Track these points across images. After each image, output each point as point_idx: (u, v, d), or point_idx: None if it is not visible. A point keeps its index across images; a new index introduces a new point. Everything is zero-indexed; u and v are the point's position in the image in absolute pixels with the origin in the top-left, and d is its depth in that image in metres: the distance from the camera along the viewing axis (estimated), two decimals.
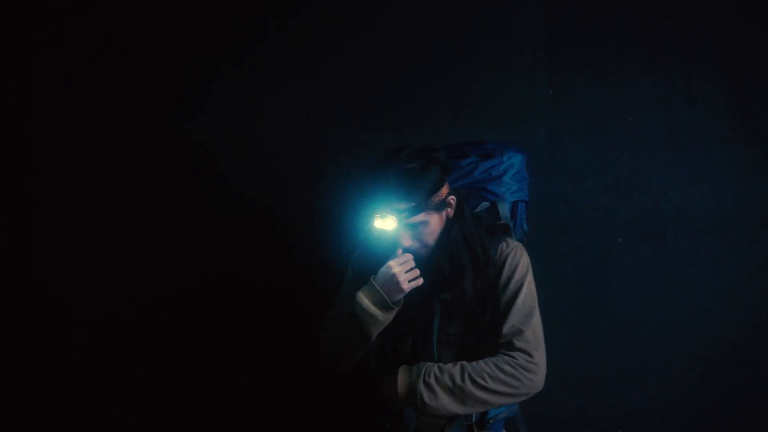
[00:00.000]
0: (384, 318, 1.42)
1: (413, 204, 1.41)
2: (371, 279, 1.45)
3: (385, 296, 1.41)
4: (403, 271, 1.41)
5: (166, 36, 2.16)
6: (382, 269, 1.42)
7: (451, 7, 2.13)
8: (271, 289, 2.08)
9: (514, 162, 1.66)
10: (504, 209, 1.61)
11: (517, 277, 1.48)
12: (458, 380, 1.39)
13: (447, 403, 1.38)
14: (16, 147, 2.14)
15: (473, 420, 1.50)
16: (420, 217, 1.43)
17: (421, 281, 1.44)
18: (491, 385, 1.38)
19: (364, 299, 1.41)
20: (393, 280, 1.40)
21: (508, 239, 1.56)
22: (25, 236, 2.10)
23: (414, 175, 1.42)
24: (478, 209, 1.62)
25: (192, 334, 2.09)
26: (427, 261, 1.49)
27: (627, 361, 2.02)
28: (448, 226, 1.50)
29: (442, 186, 1.46)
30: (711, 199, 2.02)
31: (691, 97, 2.07)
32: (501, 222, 1.59)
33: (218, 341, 2.10)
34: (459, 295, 1.46)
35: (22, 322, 2.08)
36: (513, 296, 1.47)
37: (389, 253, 1.46)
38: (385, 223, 1.39)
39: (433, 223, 1.47)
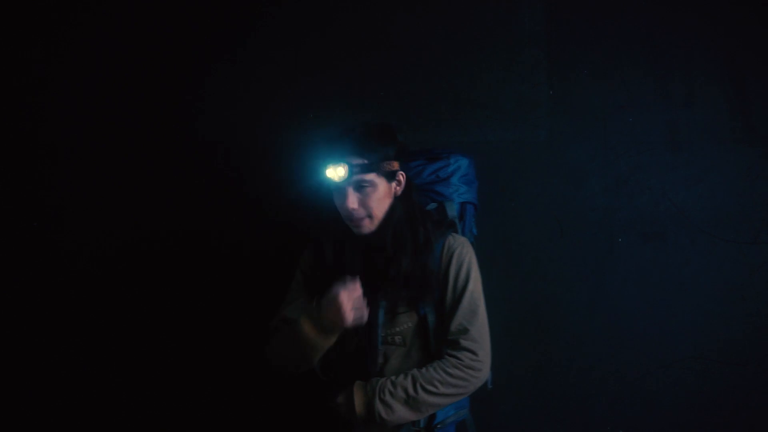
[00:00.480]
0: (325, 344, 1.44)
1: (366, 161, 1.46)
2: (315, 304, 1.44)
3: (328, 325, 1.42)
4: (350, 305, 1.40)
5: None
6: (330, 295, 1.40)
7: (451, 7, 2.13)
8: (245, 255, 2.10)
9: (461, 165, 1.72)
10: (452, 209, 1.66)
11: (463, 274, 1.53)
12: (411, 392, 1.46)
13: (403, 414, 1.46)
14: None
15: (421, 425, 1.56)
16: (370, 176, 1.47)
17: (365, 320, 1.44)
18: (442, 390, 1.46)
19: (305, 326, 1.43)
20: (338, 311, 1.39)
21: (455, 234, 1.60)
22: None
23: (370, 135, 1.49)
24: (427, 208, 1.67)
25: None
26: (371, 239, 1.51)
27: (627, 361, 2.03)
28: (394, 204, 1.54)
29: (394, 158, 1.51)
30: (711, 199, 2.02)
31: (691, 97, 2.07)
32: (448, 219, 1.64)
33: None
34: (395, 270, 1.49)
35: None
36: (460, 294, 1.52)
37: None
38: (336, 171, 1.44)
39: (381, 190, 1.50)
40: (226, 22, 2.15)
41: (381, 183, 1.50)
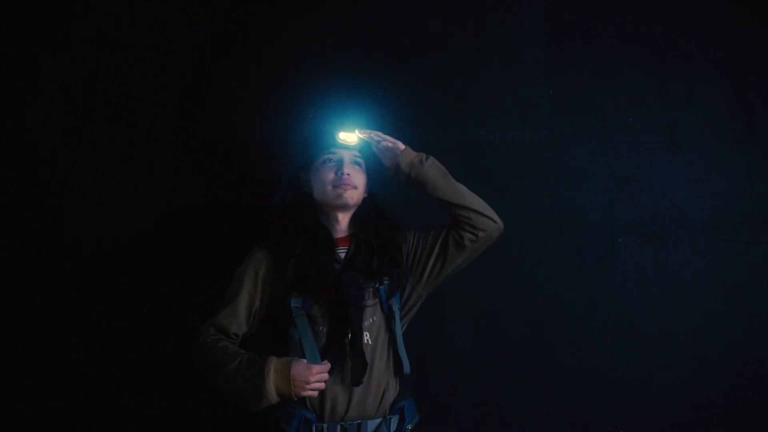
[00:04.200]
0: (272, 400, 1.41)
1: (363, 145, 1.65)
2: (285, 362, 1.41)
3: (291, 387, 1.40)
4: (314, 383, 1.41)
5: None
6: (303, 365, 1.41)
7: (451, 7, 2.13)
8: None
9: None
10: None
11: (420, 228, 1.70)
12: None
13: (441, 177, 1.62)
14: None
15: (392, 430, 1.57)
16: (361, 159, 1.66)
17: (313, 395, 1.44)
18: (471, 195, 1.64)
19: (271, 378, 1.39)
20: (303, 382, 1.40)
21: None
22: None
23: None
24: None
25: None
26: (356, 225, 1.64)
27: (627, 361, 2.02)
28: (370, 196, 1.71)
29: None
30: (711, 199, 2.02)
31: (691, 97, 2.08)
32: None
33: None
34: (366, 249, 1.60)
35: None
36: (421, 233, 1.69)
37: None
38: (348, 137, 1.61)
39: (364, 175, 1.68)
40: (225, 22, 2.16)
41: (364, 171, 1.67)
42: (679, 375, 2.00)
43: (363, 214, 1.65)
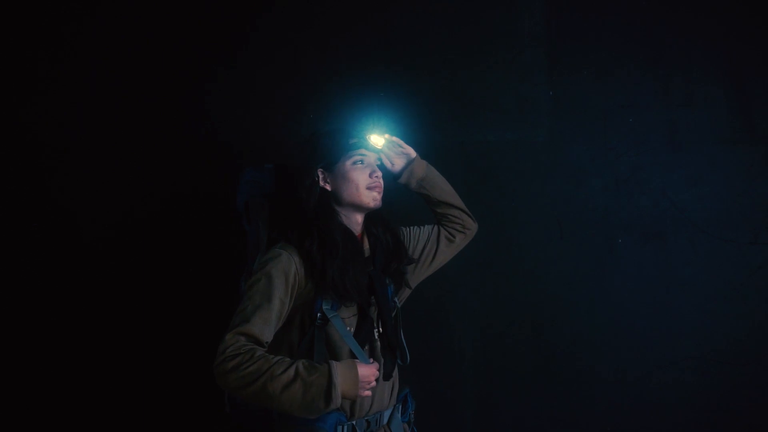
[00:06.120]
0: (337, 406, 1.33)
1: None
2: (350, 365, 1.36)
3: (357, 389, 1.35)
4: (371, 384, 1.39)
5: None
6: (367, 366, 1.38)
7: (450, 7, 2.13)
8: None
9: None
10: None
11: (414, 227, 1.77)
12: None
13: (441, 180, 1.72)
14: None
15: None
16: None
17: (369, 394, 1.42)
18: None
19: (339, 382, 1.31)
20: (367, 382, 1.37)
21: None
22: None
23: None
24: None
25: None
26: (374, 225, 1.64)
27: (627, 361, 2.03)
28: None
29: None
30: (711, 199, 2.02)
31: (691, 97, 2.07)
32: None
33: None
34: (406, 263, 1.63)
35: None
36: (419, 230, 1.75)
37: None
38: (379, 140, 1.63)
39: None
40: (225, 22, 2.15)
41: None
42: (679, 375, 2.00)
43: (373, 212, 1.64)
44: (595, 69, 2.08)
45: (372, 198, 1.57)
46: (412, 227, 1.74)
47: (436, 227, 1.75)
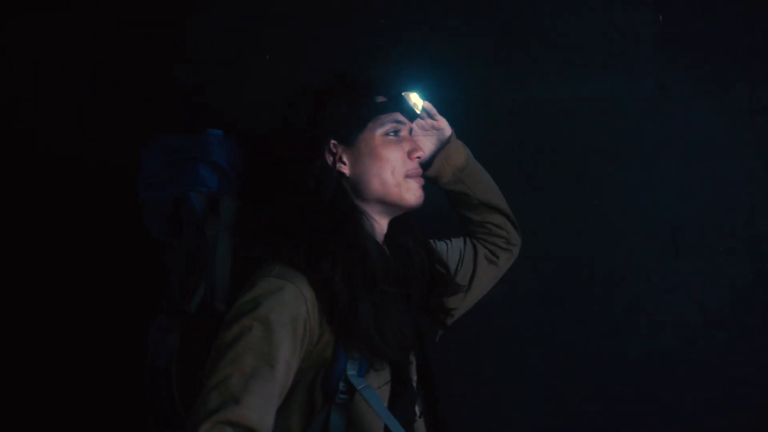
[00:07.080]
0: None
1: None
2: None
3: None
4: None
5: None
6: None
7: None
8: None
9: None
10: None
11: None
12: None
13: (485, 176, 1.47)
14: None
15: None
16: None
17: None
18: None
19: None
20: None
21: None
22: None
23: None
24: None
25: None
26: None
27: (627, 361, 1.95)
28: None
29: None
30: (710, 200, 1.92)
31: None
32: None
33: None
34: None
35: None
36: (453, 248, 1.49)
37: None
38: (419, 102, 1.33)
39: None
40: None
41: None
42: (679, 375, 1.93)
43: (401, 215, 1.38)
44: None
45: (413, 192, 1.23)
46: (434, 239, 1.46)
47: (469, 242, 1.43)
